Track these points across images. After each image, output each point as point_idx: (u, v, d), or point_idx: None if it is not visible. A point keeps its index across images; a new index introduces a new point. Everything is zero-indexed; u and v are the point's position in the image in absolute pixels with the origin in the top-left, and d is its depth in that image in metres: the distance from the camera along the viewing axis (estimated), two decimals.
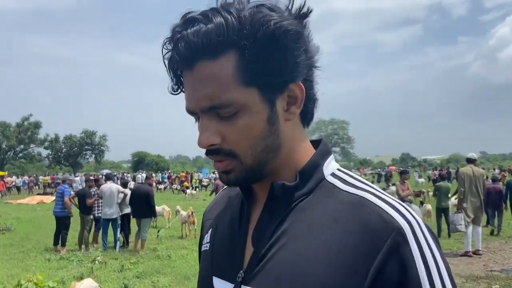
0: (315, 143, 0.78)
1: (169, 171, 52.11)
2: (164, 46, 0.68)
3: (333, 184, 0.70)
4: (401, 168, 16.78)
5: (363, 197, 0.66)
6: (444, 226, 9.57)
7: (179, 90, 0.71)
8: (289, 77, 0.67)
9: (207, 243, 0.83)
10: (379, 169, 54.32)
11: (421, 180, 32.81)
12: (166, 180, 36.60)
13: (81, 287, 4.13)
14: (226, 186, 0.90)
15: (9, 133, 54.68)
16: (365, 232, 0.61)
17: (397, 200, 0.67)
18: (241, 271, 0.70)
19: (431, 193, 13.56)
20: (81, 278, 6.33)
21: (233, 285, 0.71)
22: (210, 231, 0.84)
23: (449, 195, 10.08)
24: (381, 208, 0.63)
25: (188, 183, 30.45)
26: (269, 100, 0.67)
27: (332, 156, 0.76)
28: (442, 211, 9.81)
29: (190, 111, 0.70)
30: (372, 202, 0.64)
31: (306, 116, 0.75)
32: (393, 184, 12.88)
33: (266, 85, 0.66)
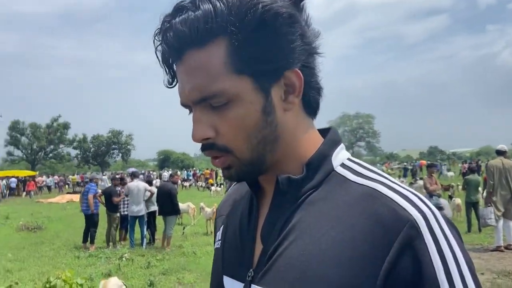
0: (325, 132, 0.73)
1: (194, 168, 52.68)
2: (156, 37, 0.65)
3: (343, 175, 0.66)
4: (429, 162, 16.45)
5: (374, 188, 0.61)
6: (474, 220, 9.30)
7: (174, 83, 0.69)
8: (283, 63, 0.63)
9: (218, 240, 0.81)
10: (405, 163, 53.10)
11: (450, 173, 32.02)
12: (191, 177, 37.05)
13: (108, 285, 4.21)
14: (234, 184, 0.88)
15: (40, 134, 56.51)
16: (376, 226, 0.57)
17: (412, 191, 0.62)
18: (251, 270, 0.67)
19: (460, 187, 13.21)
20: (109, 275, 6.47)
21: (243, 284, 0.68)
22: (221, 228, 0.82)
23: (479, 189, 9.78)
24: (393, 200, 0.59)
25: (212, 180, 30.72)
26: (263, 89, 0.63)
27: (342, 145, 0.72)
28: (472, 205, 9.54)
29: (183, 104, 0.67)
30: (384, 194, 0.60)
31: (310, 105, 0.70)
32: (421, 178, 12.60)
33: (259, 73, 0.62)
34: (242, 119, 0.63)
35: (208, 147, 0.65)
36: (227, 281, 0.73)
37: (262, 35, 0.61)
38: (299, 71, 0.64)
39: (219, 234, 0.82)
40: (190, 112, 0.68)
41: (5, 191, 27.72)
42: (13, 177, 32.18)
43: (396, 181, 0.64)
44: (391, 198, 0.59)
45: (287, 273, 0.61)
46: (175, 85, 0.68)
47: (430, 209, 0.59)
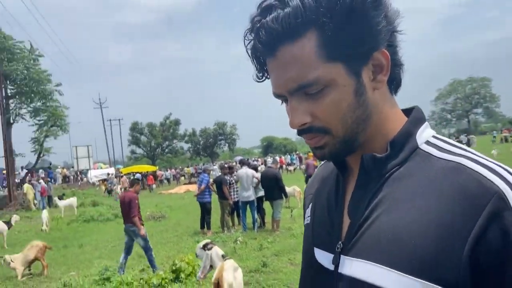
0: (409, 112, 0.76)
1: (297, 152, 53.06)
2: (246, 37, 0.71)
3: (427, 152, 0.68)
4: None
5: (459, 162, 0.63)
6: None
7: (264, 78, 0.75)
8: (371, 45, 0.67)
9: (308, 217, 0.88)
10: None
11: None
12: (295, 161, 37.42)
13: (226, 266, 4.52)
14: (322, 163, 0.94)
15: (156, 132, 61.85)
16: (462, 198, 0.59)
17: (500, 164, 0.62)
18: (340, 242, 0.73)
19: None
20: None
21: (333, 255, 0.73)
22: (310, 206, 0.89)
23: None
24: (480, 173, 0.60)
25: (317, 162, 30.59)
26: (354, 72, 0.67)
27: (426, 124, 0.74)
28: None
29: (277, 95, 0.72)
30: (470, 168, 0.61)
31: (393, 83, 0.74)
32: None
33: (350, 57, 0.67)
34: (338, 102, 0.67)
35: (305, 131, 0.71)
36: (318, 252, 0.79)
37: (351, 22, 0.65)
38: (385, 50, 0.68)
39: (308, 211, 0.89)
40: (282, 103, 0.74)
41: None
42: (137, 172, 35.88)
43: (482, 155, 0.65)
44: (476, 171, 0.60)
45: (376, 244, 0.65)
46: (264, 80, 0.75)
47: None
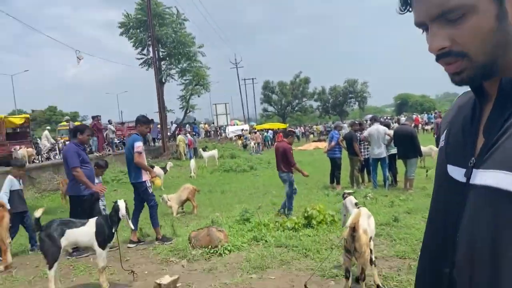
0: None
1: (436, 110, 48.92)
2: None
3: None
4: None
5: None
6: None
7: (406, 10, 0.82)
8: None
9: (442, 140, 0.94)
10: None
11: None
12: (432, 120, 34.71)
13: (363, 212, 4.47)
14: (459, 95, 1.00)
15: (286, 90, 63.28)
16: None
17: None
18: (473, 158, 0.78)
19: None
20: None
21: (465, 169, 0.79)
22: (445, 131, 0.95)
23: None
24: None
25: None
26: None
27: None
28: None
29: (419, 23, 0.79)
30: None
31: None
32: None
33: None
34: (478, 27, 0.70)
35: (444, 55, 0.76)
36: (451, 168, 0.85)
37: None
38: None
39: (443, 136, 0.96)
40: (423, 32, 0.80)
41: (268, 141, 32.70)
42: (269, 129, 37.59)
43: None
44: None
45: (508, 157, 0.68)
46: (406, 12, 0.82)
47: None
